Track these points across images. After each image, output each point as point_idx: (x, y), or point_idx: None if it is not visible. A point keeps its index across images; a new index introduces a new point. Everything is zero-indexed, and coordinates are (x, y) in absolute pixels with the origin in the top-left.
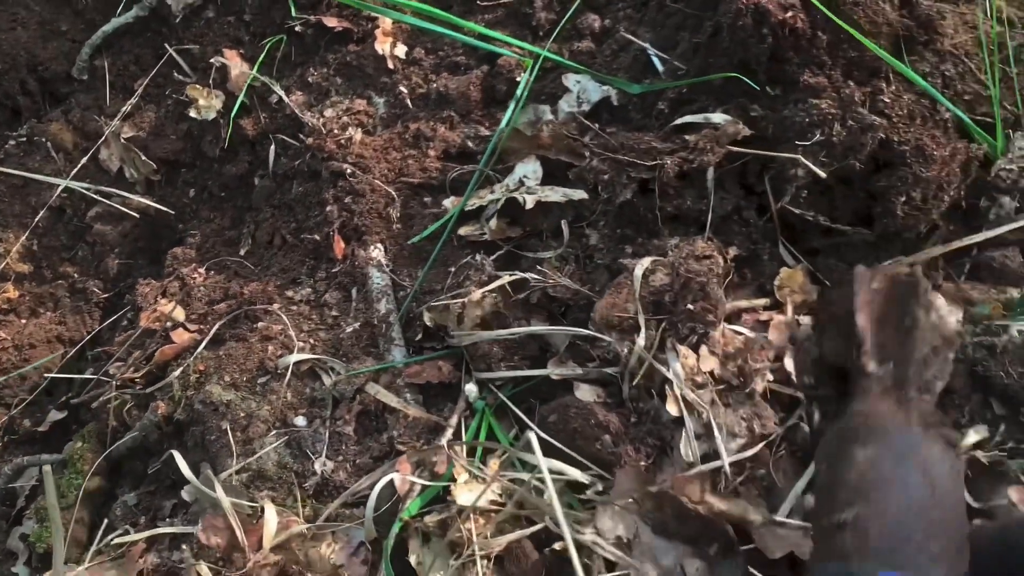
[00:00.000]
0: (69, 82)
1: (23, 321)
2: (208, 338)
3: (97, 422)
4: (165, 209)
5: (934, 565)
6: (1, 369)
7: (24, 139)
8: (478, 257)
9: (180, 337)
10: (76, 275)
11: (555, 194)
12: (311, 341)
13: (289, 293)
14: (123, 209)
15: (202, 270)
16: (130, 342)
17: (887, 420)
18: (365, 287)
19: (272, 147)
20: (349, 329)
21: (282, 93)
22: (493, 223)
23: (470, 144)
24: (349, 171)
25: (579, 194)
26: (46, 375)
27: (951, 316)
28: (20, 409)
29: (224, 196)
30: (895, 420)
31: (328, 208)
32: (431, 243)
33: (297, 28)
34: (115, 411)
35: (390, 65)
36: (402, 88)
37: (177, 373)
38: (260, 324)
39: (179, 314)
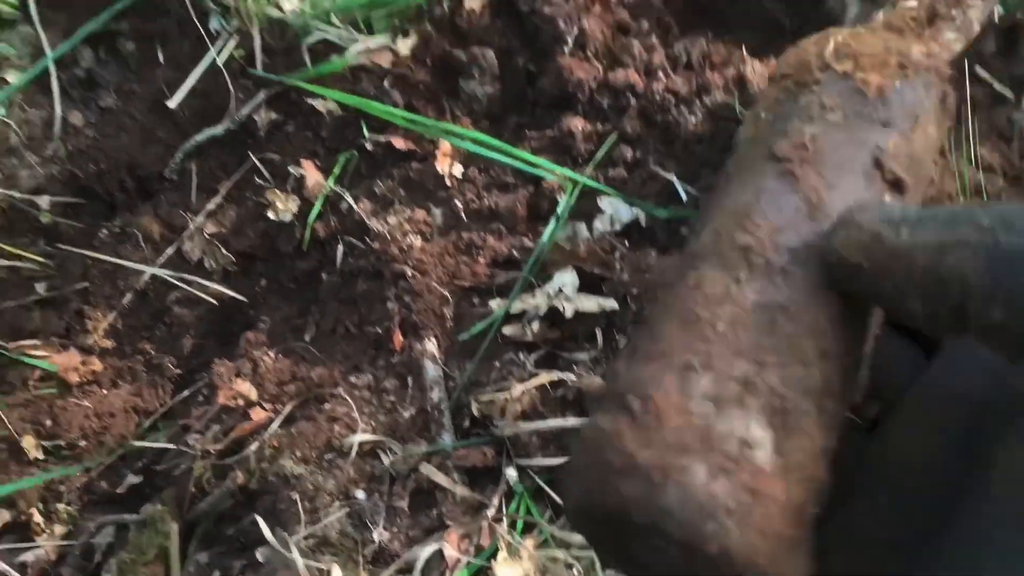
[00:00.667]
0: (161, 181)
1: (104, 392)
2: (282, 417)
3: (176, 487)
4: (239, 297)
5: None
6: (83, 435)
7: (118, 229)
8: (520, 356)
9: (258, 415)
10: (153, 352)
11: (590, 303)
12: (372, 423)
13: (352, 379)
14: (201, 295)
15: (272, 353)
16: (208, 417)
17: None
18: (420, 377)
19: (340, 248)
20: (406, 414)
21: (352, 201)
22: (535, 326)
23: (515, 254)
24: (409, 273)
25: (611, 304)
26: (123, 442)
27: None
28: (98, 472)
29: (293, 288)
30: None
31: (389, 305)
32: (479, 340)
33: (368, 146)
34: (195, 479)
35: (448, 182)
36: (457, 202)
37: (254, 447)
38: (327, 406)
39: (252, 393)
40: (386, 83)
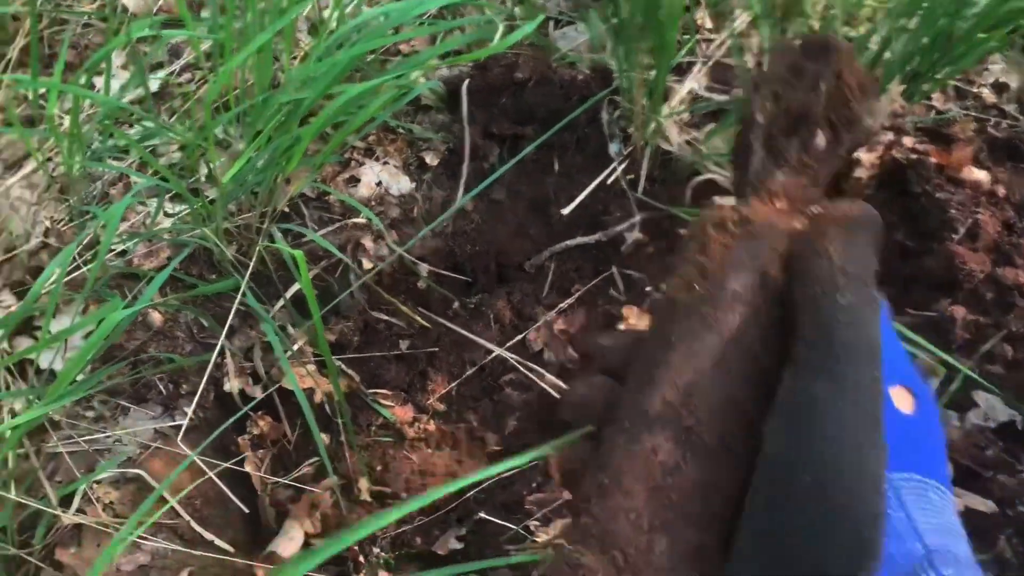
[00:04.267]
0: (519, 272)
1: (429, 451)
2: None
3: (513, 570)
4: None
5: None
6: (406, 487)
7: (472, 306)
8: None
9: None
10: (476, 424)
11: (972, 498)
12: None
13: None
14: (537, 382)
15: None
16: (550, 507)
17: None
18: None
19: None
20: None
21: None
22: None
23: None
24: None
25: (990, 505)
26: (440, 503)
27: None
28: (414, 527)
29: None
30: None
31: None
32: None
33: None
34: (542, 566)
35: None
36: None
37: None
38: None
39: None
40: None
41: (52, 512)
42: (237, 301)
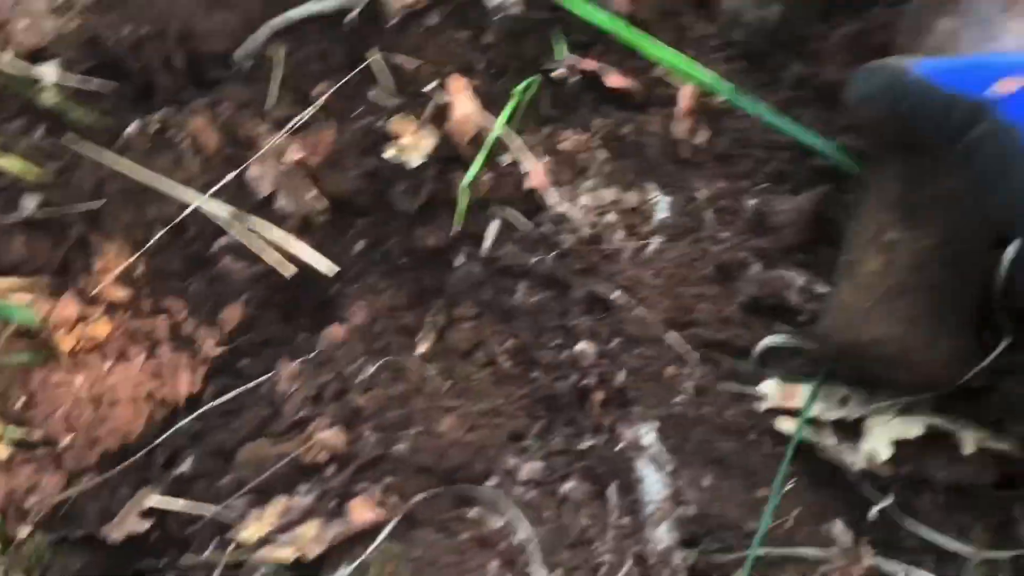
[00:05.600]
0: (226, 67)
1: (107, 364)
2: (397, 520)
3: None
4: (325, 261)
5: None
6: (67, 427)
7: (156, 127)
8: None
9: (362, 515)
10: (184, 315)
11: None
12: (550, 561)
13: (510, 459)
14: (267, 246)
15: (371, 369)
16: (274, 469)
17: None
18: (630, 493)
19: (494, 224)
20: (605, 557)
21: (521, 155)
22: (880, 450)
23: (795, 297)
24: (616, 299)
25: None
26: (127, 443)
27: None
28: (88, 489)
29: (406, 265)
30: None
31: (579, 346)
32: (738, 445)
33: (559, 71)
34: None
35: (684, 154)
36: (700, 190)
37: (349, 571)
38: (473, 511)
39: (339, 441)
40: None
41: None
42: None
